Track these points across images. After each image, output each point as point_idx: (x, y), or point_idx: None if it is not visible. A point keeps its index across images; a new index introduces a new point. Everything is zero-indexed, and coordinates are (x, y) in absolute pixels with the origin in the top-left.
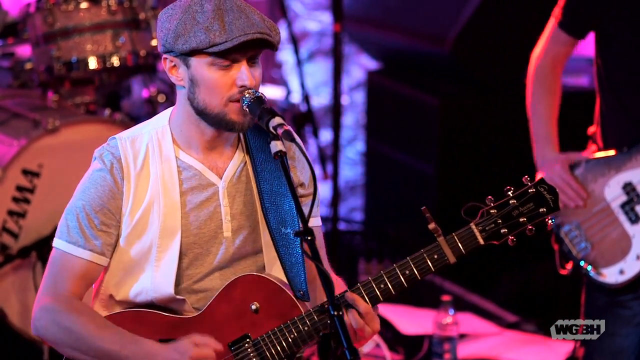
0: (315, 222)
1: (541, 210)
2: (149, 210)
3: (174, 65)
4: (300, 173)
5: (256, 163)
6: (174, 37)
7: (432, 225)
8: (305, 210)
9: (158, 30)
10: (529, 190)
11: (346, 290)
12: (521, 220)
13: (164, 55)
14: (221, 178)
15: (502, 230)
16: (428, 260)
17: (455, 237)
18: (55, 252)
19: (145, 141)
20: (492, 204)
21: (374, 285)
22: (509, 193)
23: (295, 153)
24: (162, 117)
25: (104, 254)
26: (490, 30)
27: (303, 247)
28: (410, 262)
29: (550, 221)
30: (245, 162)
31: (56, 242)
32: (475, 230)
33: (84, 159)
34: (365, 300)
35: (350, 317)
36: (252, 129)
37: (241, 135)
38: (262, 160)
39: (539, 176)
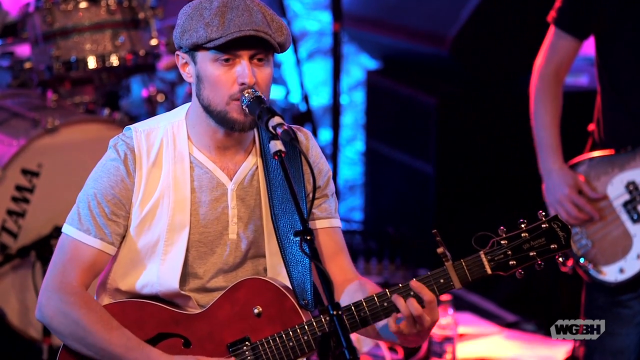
0: (334, 222)
1: (552, 246)
2: (159, 204)
3: (185, 62)
4: (316, 176)
5: (269, 169)
6: (180, 32)
7: (440, 250)
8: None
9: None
10: (542, 225)
11: (408, 282)
12: (531, 254)
13: (176, 52)
14: (231, 180)
15: (510, 262)
16: (434, 284)
17: (463, 264)
18: (64, 239)
19: (160, 135)
20: (503, 235)
21: (377, 304)
22: (522, 226)
23: (312, 157)
24: (180, 112)
25: (113, 243)
26: (489, 29)
27: (303, 247)
28: None
29: (560, 259)
30: (258, 166)
31: (66, 229)
32: (484, 260)
33: (84, 158)
34: (434, 292)
35: (410, 305)
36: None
37: (256, 139)
38: (274, 166)
39: (544, 186)
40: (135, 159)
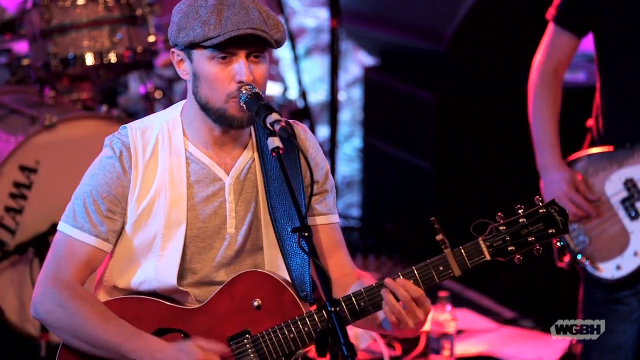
0: (333, 218)
1: (550, 231)
2: (155, 200)
3: (181, 59)
4: (314, 170)
5: (265, 162)
6: (176, 30)
7: (439, 237)
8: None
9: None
10: (540, 211)
11: (397, 276)
12: (529, 239)
13: (172, 49)
14: (228, 174)
15: (509, 248)
16: (433, 271)
17: (462, 251)
18: (59, 236)
19: (156, 132)
20: (501, 221)
21: (377, 293)
22: (520, 211)
23: (309, 151)
24: (175, 109)
25: (108, 240)
26: (486, 27)
27: (300, 242)
28: (415, 272)
29: (558, 243)
30: (254, 159)
31: (61, 226)
32: (483, 246)
33: (81, 155)
34: (419, 286)
35: (402, 298)
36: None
37: (252, 133)
38: (271, 159)
39: (542, 183)
40: (131, 156)
